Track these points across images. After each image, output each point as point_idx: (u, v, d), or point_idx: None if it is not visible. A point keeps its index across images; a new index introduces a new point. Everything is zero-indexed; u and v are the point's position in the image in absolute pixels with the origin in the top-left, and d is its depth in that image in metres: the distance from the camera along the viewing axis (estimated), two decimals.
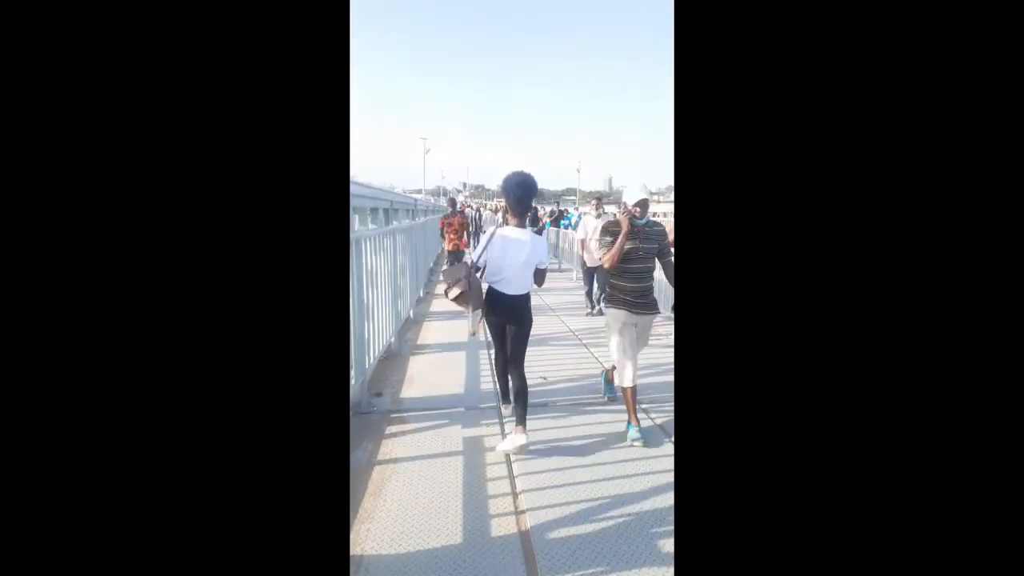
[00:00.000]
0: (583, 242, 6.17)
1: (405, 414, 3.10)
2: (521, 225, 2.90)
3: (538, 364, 3.98)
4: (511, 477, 2.39)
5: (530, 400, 3.19)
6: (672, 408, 3.20)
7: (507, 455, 2.58)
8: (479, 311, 2.80)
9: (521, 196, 2.81)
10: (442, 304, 6.47)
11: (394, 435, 2.81)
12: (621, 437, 2.77)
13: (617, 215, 3.03)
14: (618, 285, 2.92)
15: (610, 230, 2.88)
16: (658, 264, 2.94)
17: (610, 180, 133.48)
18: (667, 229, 3.20)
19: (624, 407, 2.85)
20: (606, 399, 3.35)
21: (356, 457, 2.54)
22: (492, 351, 3.12)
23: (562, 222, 11.97)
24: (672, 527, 1.98)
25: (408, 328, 5.20)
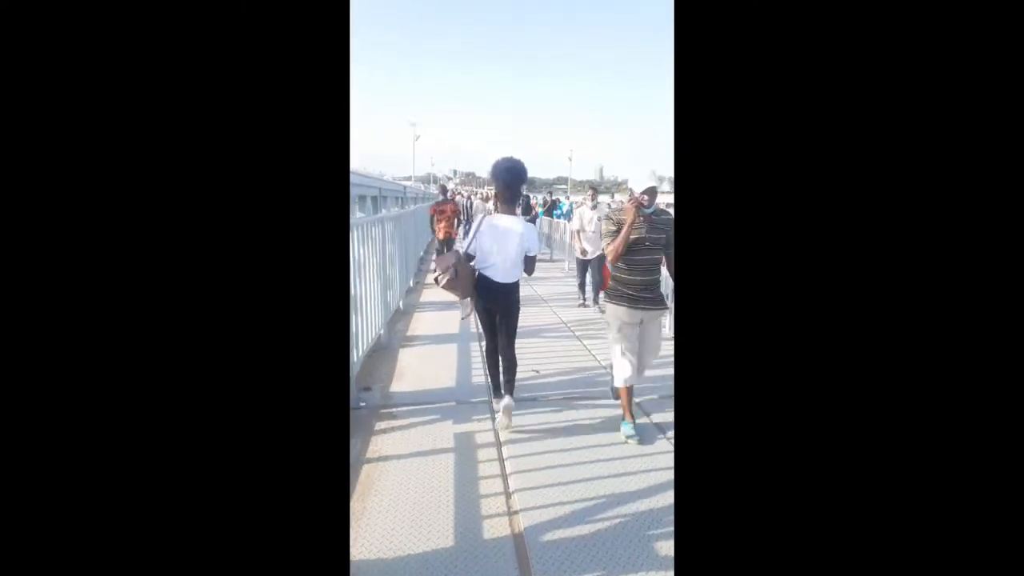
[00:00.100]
0: (578, 233, 5.97)
1: (395, 409, 3.02)
2: (511, 212, 2.84)
3: (530, 357, 3.91)
4: (503, 475, 2.33)
5: (522, 395, 3.16)
6: (666, 403, 3.15)
7: (498, 446, 2.52)
8: (469, 298, 2.78)
9: (510, 180, 2.76)
10: (433, 294, 6.39)
11: (384, 431, 2.74)
12: (615, 433, 2.72)
13: (612, 204, 2.94)
14: (621, 278, 2.69)
15: (614, 219, 2.66)
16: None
17: (601, 170, 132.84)
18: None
19: (619, 402, 2.79)
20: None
21: None
22: (484, 343, 3.04)
23: (554, 212, 11.88)
24: (670, 528, 1.94)
25: (398, 319, 5.11)
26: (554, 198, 14.48)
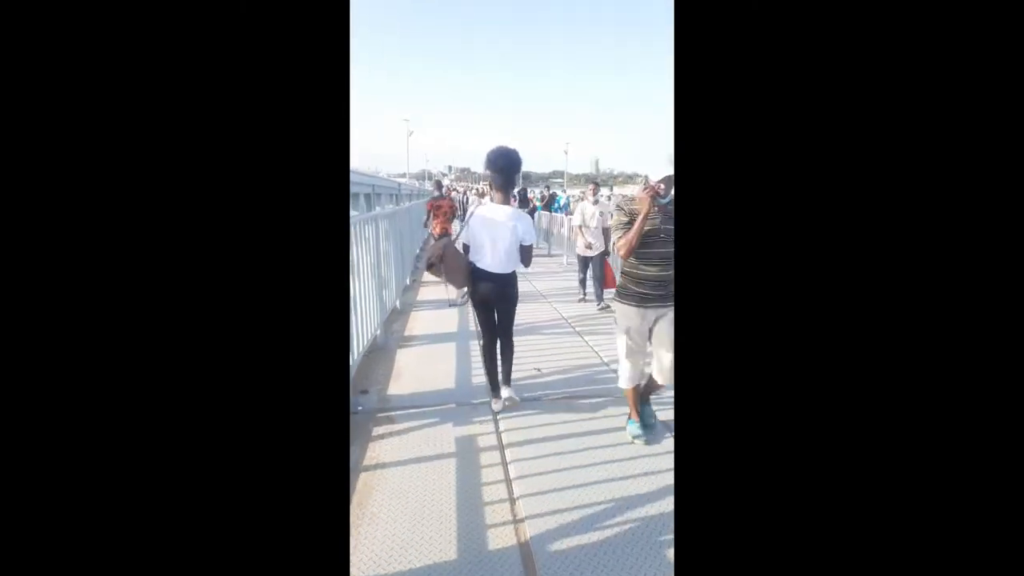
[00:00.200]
0: (580, 228, 5.79)
1: (393, 413, 2.92)
2: (505, 201, 2.75)
3: (530, 354, 3.82)
4: (507, 481, 2.24)
5: (524, 395, 3.07)
6: (673, 402, 3.06)
7: (501, 449, 2.43)
8: (464, 288, 2.75)
9: (503, 166, 2.68)
10: (430, 292, 6.29)
11: (381, 436, 2.64)
12: (622, 433, 2.63)
13: (611, 197, 2.83)
14: (633, 273, 2.44)
15: (627, 210, 2.38)
16: None
17: (596, 163, 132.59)
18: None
19: (625, 400, 2.70)
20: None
21: None
22: (482, 342, 2.95)
23: (552, 206, 11.76)
24: None
25: (394, 319, 5.00)
26: (551, 192, 14.33)
